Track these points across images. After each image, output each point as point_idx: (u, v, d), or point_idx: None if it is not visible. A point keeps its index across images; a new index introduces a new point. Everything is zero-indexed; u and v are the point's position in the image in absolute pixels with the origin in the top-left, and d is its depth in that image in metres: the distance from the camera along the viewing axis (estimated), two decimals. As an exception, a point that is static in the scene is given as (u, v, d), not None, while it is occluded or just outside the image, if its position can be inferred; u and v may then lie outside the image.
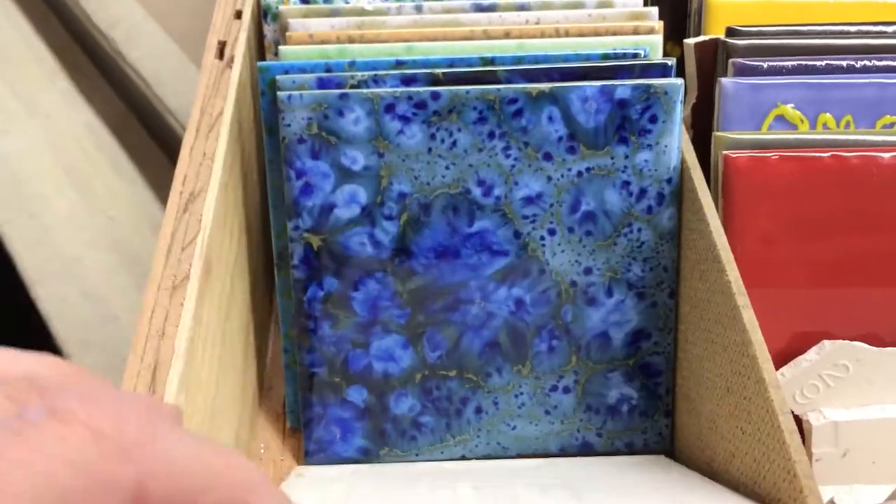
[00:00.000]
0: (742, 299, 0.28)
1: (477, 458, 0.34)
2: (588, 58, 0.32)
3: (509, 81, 0.31)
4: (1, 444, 0.13)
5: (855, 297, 0.32)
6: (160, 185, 0.63)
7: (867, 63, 0.33)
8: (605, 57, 0.32)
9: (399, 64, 0.32)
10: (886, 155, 0.31)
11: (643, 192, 0.31)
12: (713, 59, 0.35)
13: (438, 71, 0.31)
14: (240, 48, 0.36)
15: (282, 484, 0.31)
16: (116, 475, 0.13)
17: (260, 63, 0.32)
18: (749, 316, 0.27)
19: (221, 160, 0.32)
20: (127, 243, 0.58)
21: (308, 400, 0.34)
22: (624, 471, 0.32)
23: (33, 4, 0.75)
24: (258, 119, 0.39)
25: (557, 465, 0.33)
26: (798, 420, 0.30)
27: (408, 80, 0.31)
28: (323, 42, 0.34)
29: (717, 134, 0.32)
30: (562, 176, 0.31)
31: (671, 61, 0.31)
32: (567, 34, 0.34)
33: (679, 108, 0.31)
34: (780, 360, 0.32)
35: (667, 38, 0.39)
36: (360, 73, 0.31)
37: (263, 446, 0.36)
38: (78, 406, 0.13)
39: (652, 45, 0.33)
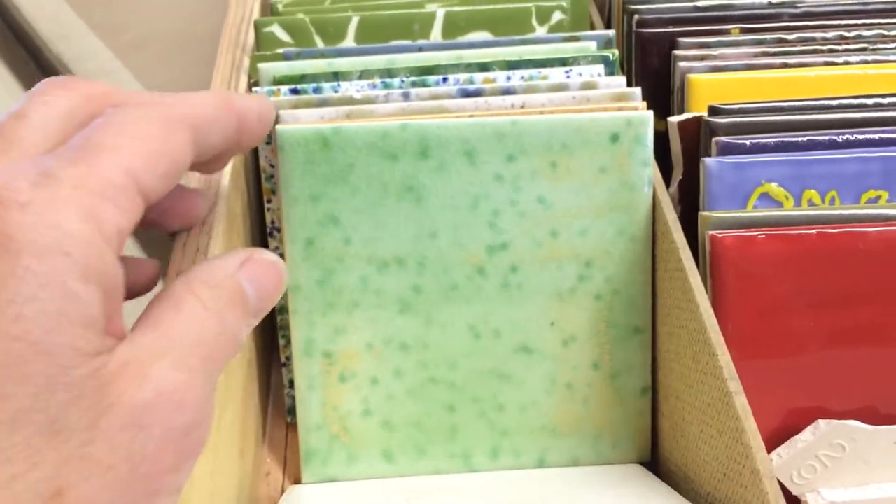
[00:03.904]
0: (734, 385, 0.28)
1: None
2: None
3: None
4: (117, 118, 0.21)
5: (848, 371, 0.32)
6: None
7: (849, 137, 0.33)
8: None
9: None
10: (872, 230, 0.31)
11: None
12: (697, 136, 0.35)
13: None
14: (232, 138, 0.37)
15: None
16: (177, 116, 0.22)
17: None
18: (742, 402, 0.27)
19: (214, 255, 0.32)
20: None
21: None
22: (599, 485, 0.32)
23: (28, 72, 0.76)
24: (251, 205, 0.40)
25: (533, 478, 0.34)
26: (797, 501, 0.30)
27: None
28: (312, 132, 0.34)
29: (702, 214, 0.32)
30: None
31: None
32: (552, 117, 0.35)
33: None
34: (776, 437, 0.32)
35: (652, 114, 0.40)
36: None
37: (262, 535, 0.36)
38: (134, 97, 0.23)
39: (636, 127, 0.34)
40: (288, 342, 0.39)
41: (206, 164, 0.27)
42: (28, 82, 0.77)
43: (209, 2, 0.65)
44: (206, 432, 0.20)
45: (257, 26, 0.42)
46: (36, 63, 0.78)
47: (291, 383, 0.39)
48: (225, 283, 0.22)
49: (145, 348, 0.19)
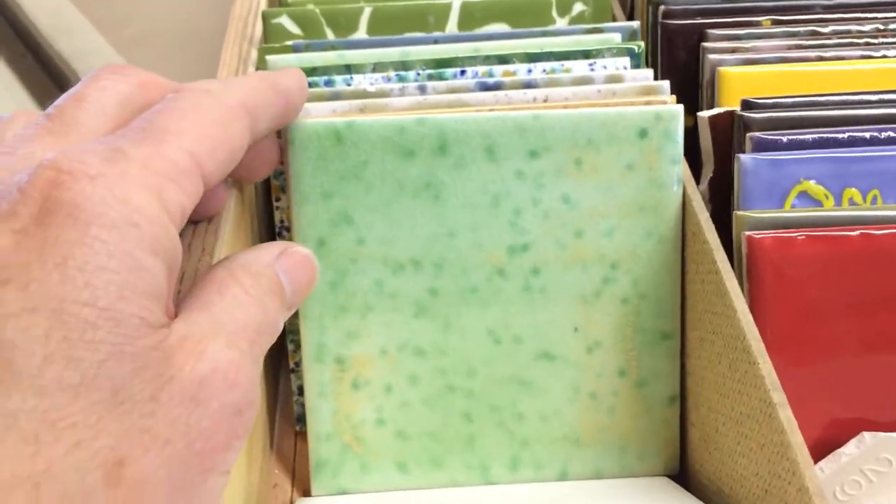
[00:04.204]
0: (778, 396, 0.26)
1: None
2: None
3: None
4: (178, 101, 0.22)
5: (894, 379, 0.30)
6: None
7: (892, 134, 0.32)
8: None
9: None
10: (918, 231, 0.30)
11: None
12: (729, 132, 0.34)
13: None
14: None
15: None
16: (234, 103, 0.23)
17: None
18: (787, 415, 0.25)
19: (221, 256, 0.30)
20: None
21: None
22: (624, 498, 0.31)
23: (35, 78, 0.75)
24: (260, 203, 0.38)
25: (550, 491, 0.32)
26: (841, 519, 0.28)
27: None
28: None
29: (738, 213, 0.31)
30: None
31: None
32: (577, 111, 0.33)
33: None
34: (818, 449, 0.30)
35: (679, 109, 0.38)
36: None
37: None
38: (188, 86, 0.23)
39: (666, 122, 0.32)
40: (297, 347, 0.37)
41: (250, 164, 0.27)
42: (26, 77, 0.75)
43: (212, -4, 0.63)
44: (254, 414, 0.20)
45: (265, 17, 0.40)
46: (35, 57, 0.76)
47: (301, 390, 0.38)
48: (264, 271, 0.22)
49: (199, 326, 0.20)
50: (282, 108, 0.25)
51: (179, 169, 0.20)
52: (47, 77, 0.74)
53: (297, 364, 0.37)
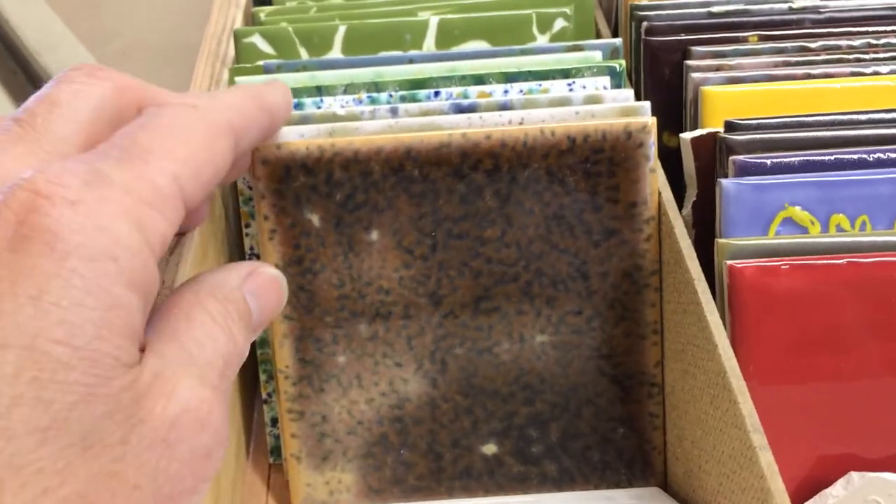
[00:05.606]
0: (759, 438, 0.25)
1: None
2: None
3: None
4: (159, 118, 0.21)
5: (883, 415, 0.29)
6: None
7: (881, 156, 0.30)
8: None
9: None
10: (909, 259, 0.28)
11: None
12: (712, 154, 0.32)
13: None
14: (207, 158, 0.34)
15: None
16: (221, 120, 0.22)
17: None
18: (767, 460, 0.24)
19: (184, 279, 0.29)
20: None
21: None
22: None
23: (26, 95, 0.74)
24: (230, 230, 0.37)
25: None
26: (828, 564, 0.27)
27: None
28: (292, 153, 0.32)
29: (719, 241, 0.29)
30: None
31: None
32: (553, 134, 0.32)
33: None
34: (804, 488, 0.29)
35: (662, 128, 0.37)
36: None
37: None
38: (168, 96, 0.23)
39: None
40: (270, 377, 0.36)
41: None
42: (17, 93, 0.74)
43: (196, 11, 0.62)
44: (223, 453, 0.20)
45: (237, 37, 0.39)
46: (25, 74, 0.75)
47: (274, 421, 0.36)
48: (232, 296, 0.21)
49: (171, 360, 0.19)
50: (266, 125, 0.25)
51: (163, 195, 0.19)
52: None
53: (270, 395, 0.36)
